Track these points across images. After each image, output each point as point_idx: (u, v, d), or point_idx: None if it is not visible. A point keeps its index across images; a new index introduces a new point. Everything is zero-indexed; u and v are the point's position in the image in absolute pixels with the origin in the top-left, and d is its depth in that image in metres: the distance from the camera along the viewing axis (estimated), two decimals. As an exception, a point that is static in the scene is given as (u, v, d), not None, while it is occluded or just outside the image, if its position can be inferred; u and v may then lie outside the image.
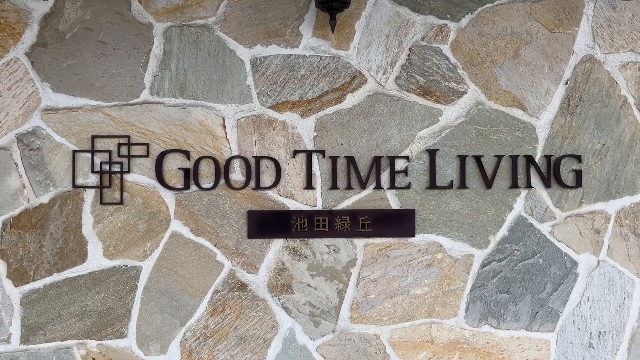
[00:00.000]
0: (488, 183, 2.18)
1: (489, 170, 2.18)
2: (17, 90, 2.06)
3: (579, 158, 2.21)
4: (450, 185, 2.18)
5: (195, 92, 2.12)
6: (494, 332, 2.20)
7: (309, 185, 2.15)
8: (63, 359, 2.08)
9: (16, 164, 2.06)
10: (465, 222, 2.19)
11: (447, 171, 2.18)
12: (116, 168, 2.09)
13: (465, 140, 2.19)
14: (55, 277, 2.07)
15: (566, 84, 2.22)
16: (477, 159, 2.18)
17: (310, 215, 2.14)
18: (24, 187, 2.06)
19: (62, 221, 2.07)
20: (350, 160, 2.15)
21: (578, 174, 2.21)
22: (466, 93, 2.19)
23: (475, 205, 2.19)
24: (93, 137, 2.08)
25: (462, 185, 2.18)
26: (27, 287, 2.07)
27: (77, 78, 2.08)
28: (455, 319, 2.20)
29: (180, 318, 2.12)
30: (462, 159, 2.18)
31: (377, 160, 2.16)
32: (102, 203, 2.08)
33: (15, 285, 2.06)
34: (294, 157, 2.15)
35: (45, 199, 2.07)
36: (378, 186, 2.16)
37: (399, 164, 2.17)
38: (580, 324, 2.23)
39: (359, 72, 2.17)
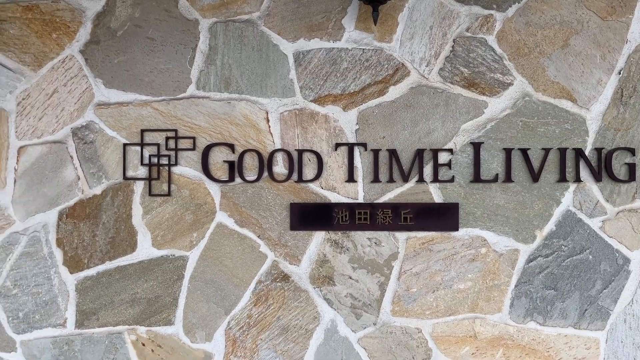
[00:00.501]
0: (535, 176, 2.13)
1: (535, 164, 2.13)
2: (72, 86, 2.15)
3: (632, 151, 2.12)
4: (495, 179, 2.14)
5: (240, 86, 2.16)
6: (540, 329, 2.15)
7: (351, 178, 2.15)
8: (115, 344, 2.17)
9: (71, 157, 2.16)
10: (511, 216, 2.14)
11: (492, 164, 2.14)
12: (164, 161, 2.16)
13: (511, 132, 2.14)
14: (108, 265, 2.17)
15: (619, 74, 2.13)
16: (524, 152, 2.13)
17: (351, 208, 2.15)
18: (79, 178, 2.16)
19: (113, 212, 2.16)
20: (393, 153, 2.15)
21: (631, 168, 2.12)
22: (512, 84, 2.14)
23: (521, 199, 2.14)
24: (142, 131, 2.16)
25: (508, 178, 2.14)
26: (82, 274, 2.17)
27: (128, 74, 2.16)
28: (499, 315, 2.16)
29: (225, 307, 2.17)
30: (508, 152, 2.13)
31: (419, 153, 2.14)
32: (150, 194, 2.16)
33: (71, 273, 2.17)
34: (336, 150, 2.16)
35: (98, 190, 2.16)
36: (421, 179, 2.15)
37: (443, 157, 2.14)
38: (632, 323, 2.15)
39: (402, 64, 2.15)
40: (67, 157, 2.16)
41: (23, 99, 2.15)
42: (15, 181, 2.15)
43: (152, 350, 2.17)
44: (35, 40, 2.15)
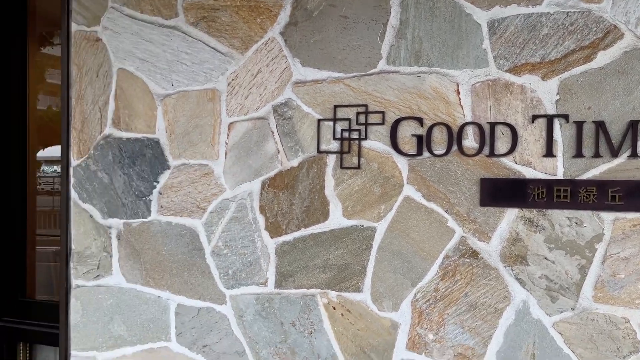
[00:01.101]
0: None
1: None
2: (273, 66, 2.34)
3: None
4: None
5: (430, 59, 2.14)
6: None
7: (549, 153, 2.01)
8: (309, 305, 2.35)
9: (272, 132, 2.36)
10: None
11: None
12: (354, 135, 2.24)
13: None
14: (303, 232, 2.34)
15: None
16: None
17: (549, 184, 2.02)
18: (278, 152, 2.35)
19: (308, 183, 2.32)
20: (600, 125, 1.95)
21: None
22: None
23: None
24: (335, 107, 2.26)
25: None
26: (280, 239, 2.38)
27: (322, 52, 2.28)
28: None
29: (412, 279, 2.21)
30: None
31: (633, 125, 1.91)
32: (342, 167, 2.27)
33: (271, 237, 2.39)
34: (533, 122, 2.03)
35: (295, 162, 2.33)
36: (634, 154, 1.92)
37: (663, 129, 1.90)
38: None
39: (614, 26, 1.93)
40: (268, 132, 2.36)
41: (232, 80, 2.39)
42: (226, 154, 2.42)
43: (342, 315, 2.31)
44: (243, 25, 2.37)
